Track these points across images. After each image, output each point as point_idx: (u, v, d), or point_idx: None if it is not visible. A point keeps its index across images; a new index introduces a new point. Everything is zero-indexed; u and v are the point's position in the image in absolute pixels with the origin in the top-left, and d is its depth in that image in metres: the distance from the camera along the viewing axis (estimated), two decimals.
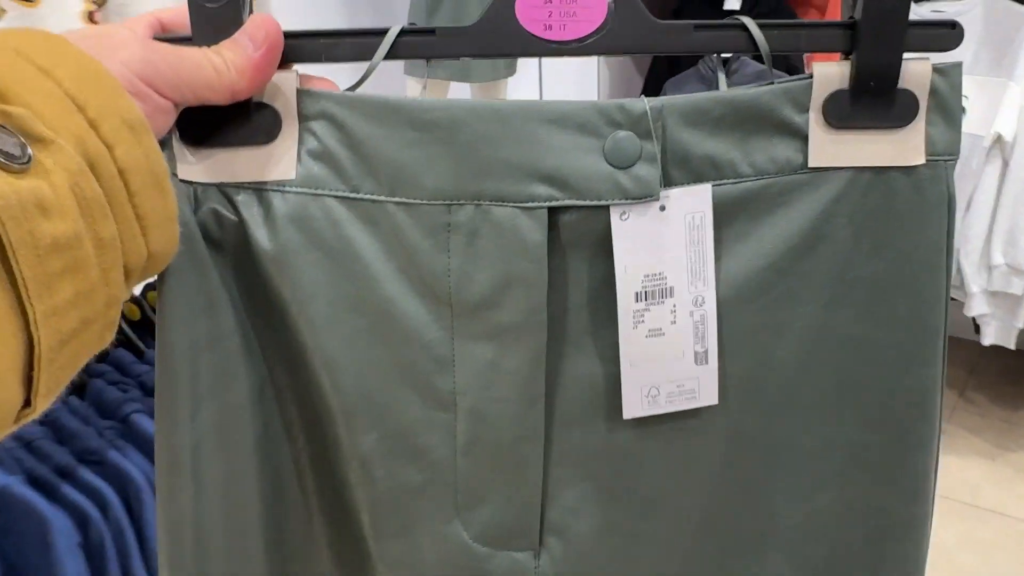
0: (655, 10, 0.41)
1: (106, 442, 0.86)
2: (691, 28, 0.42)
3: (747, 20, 0.42)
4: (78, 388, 0.94)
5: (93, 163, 0.33)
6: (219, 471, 0.45)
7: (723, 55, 0.44)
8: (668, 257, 0.42)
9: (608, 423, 0.45)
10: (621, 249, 0.41)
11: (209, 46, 0.39)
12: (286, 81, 0.41)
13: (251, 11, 0.40)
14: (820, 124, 0.42)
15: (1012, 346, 1.94)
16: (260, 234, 0.42)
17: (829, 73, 0.42)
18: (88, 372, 0.95)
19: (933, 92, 0.42)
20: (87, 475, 0.83)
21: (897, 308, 0.44)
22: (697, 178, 0.42)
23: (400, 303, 0.43)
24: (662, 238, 0.41)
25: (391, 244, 0.42)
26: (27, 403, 0.32)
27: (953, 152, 0.43)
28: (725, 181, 0.42)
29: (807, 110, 0.42)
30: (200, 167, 0.41)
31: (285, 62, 0.41)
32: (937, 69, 0.42)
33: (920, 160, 0.43)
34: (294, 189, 0.42)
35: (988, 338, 1.92)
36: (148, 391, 0.93)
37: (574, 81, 2.30)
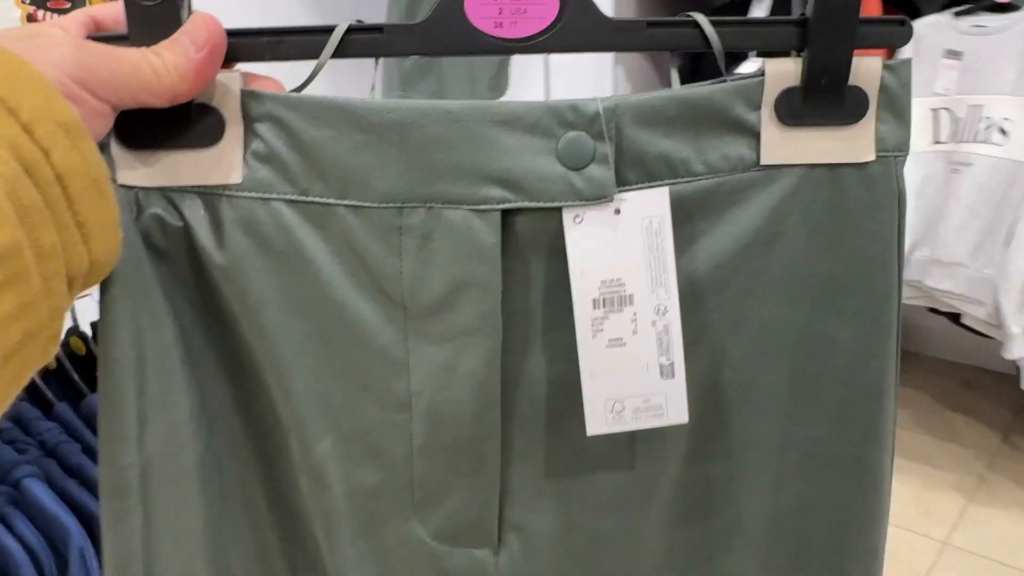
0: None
1: None
2: (644, 25, 0.41)
3: (700, 17, 0.42)
4: None
5: (29, 168, 0.31)
6: (167, 494, 0.43)
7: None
8: (625, 263, 0.41)
9: (568, 423, 0.45)
10: (575, 252, 0.41)
11: (147, 46, 0.37)
12: (229, 82, 0.40)
13: (190, 9, 0.39)
14: (772, 121, 0.42)
15: None
16: (207, 240, 0.41)
17: (781, 71, 0.42)
18: None
19: (883, 89, 0.42)
20: None
21: (851, 303, 0.45)
22: (651, 178, 0.41)
23: (353, 306, 0.42)
24: (618, 242, 0.41)
25: (342, 247, 0.41)
26: None
27: (903, 148, 0.43)
28: (679, 180, 0.42)
29: (759, 107, 0.42)
30: (141, 171, 0.40)
31: (227, 61, 0.40)
32: (887, 66, 0.42)
33: (870, 157, 0.43)
34: (241, 193, 0.40)
35: None
36: (48, 451, 0.85)
37: (590, 93, 2.18)
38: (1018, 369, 1.74)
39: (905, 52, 1.58)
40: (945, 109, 1.64)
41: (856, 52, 0.41)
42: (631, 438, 0.46)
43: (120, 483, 0.42)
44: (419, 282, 0.42)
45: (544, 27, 0.41)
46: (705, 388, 0.45)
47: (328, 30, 0.40)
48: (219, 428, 0.45)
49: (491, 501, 0.46)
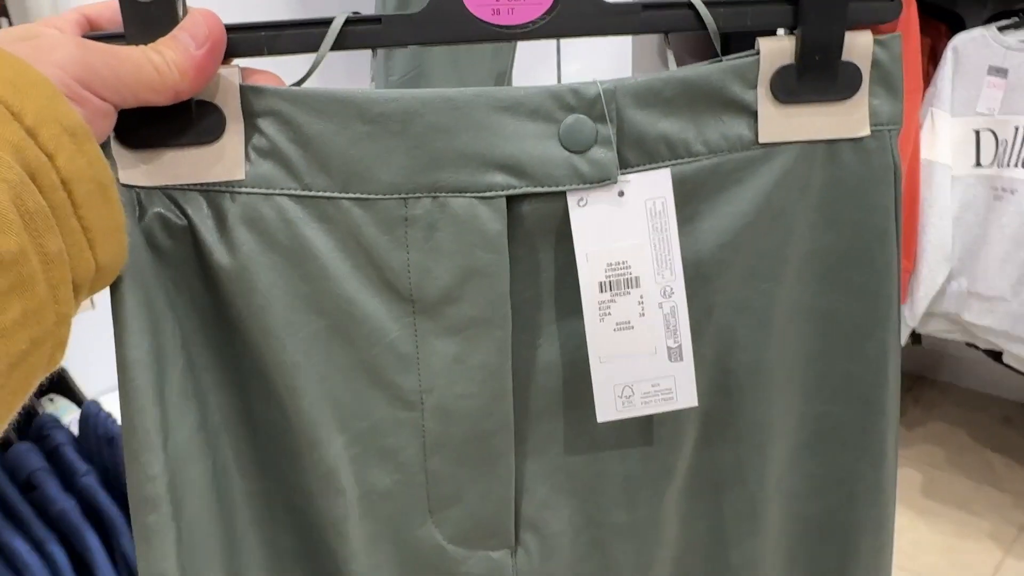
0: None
1: None
2: (639, 8, 0.42)
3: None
4: None
5: (34, 174, 0.31)
6: (193, 507, 0.42)
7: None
8: (630, 244, 0.41)
9: (580, 413, 0.45)
10: (581, 236, 0.41)
11: (145, 44, 0.37)
12: (228, 77, 0.39)
13: (185, 7, 0.38)
14: (768, 99, 0.42)
15: None
16: (211, 238, 0.40)
17: (775, 49, 0.42)
18: None
19: (875, 64, 0.43)
20: None
21: (852, 278, 0.45)
22: (652, 159, 0.42)
23: (360, 302, 0.42)
24: (623, 224, 0.41)
25: (347, 241, 0.41)
26: None
27: (896, 121, 0.44)
28: (680, 161, 0.42)
29: (755, 86, 0.42)
30: (142, 170, 0.39)
31: (226, 57, 0.39)
32: (878, 41, 0.43)
33: (865, 131, 0.43)
34: (244, 190, 0.40)
35: None
36: None
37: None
38: None
39: (945, 68, 1.48)
40: (988, 130, 1.52)
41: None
42: (643, 427, 0.46)
43: (150, 495, 0.40)
44: (426, 273, 0.42)
45: (541, 12, 0.41)
46: (714, 371, 0.46)
47: (326, 22, 0.40)
48: (226, 439, 0.44)
49: (507, 497, 0.46)
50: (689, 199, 0.43)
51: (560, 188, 0.41)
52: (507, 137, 0.40)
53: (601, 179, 0.41)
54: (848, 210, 0.44)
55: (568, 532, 0.47)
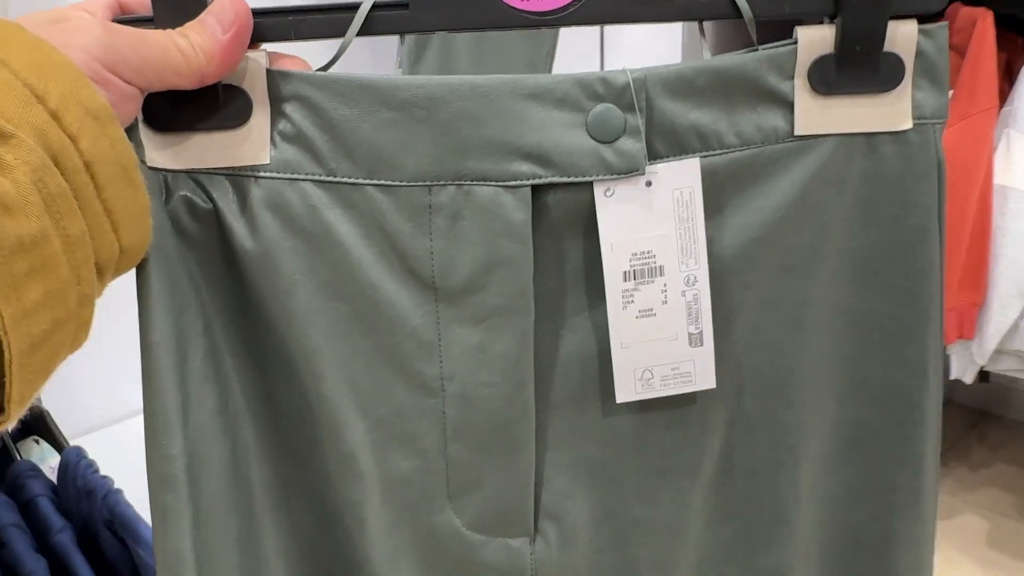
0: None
1: None
2: None
3: None
4: None
5: (57, 157, 0.31)
6: (210, 488, 0.42)
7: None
8: (656, 234, 0.41)
9: (602, 404, 0.44)
10: (607, 226, 0.40)
11: (173, 28, 0.37)
12: (255, 62, 0.39)
13: None
14: (806, 91, 0.41)
15: None
16: (236, 222, 0.41)
17: (814, 38, 0.41)
18: None
19: (919, 55, 0.41)
20: None
21: (892, 277, 0.44)
22: (682, 150, 0.41)
23: (383, 288, 0.42)
24: (649, 214, 0.40)
25: (371, 228, 0.41)
26: (0, 410, 0.31)
27: (941, 115, 0.42)
28: (711, 152, 0.41)
29: (792, 77, 0.41)
30: (169, 153, 0.40)
31: (253, 41, 0.39)
32: (923, 31, 0.41)
33: (908, 124, 0.42)
34: (269, 174, 0.40)
35: None
36: None
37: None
38: None
39: (1022, 86, 1.33)
40: None
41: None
42: (668, 421, 0.45)
43: (168, 474, 0.41)
44: (450, 261, 0.41)
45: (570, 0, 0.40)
46: (743, 370, 0.45)
47: (353, 7, 0.40)
48: (246, 422, 0.44)
49: (527, 487, 0.45)
50: (720, 191, 0.42)
51: (587, 178, 0.40)
52: (534, 126, 0.40)
53: (629, 170, 0.40)
54: (888, 206, 0.43)
55: (588, 524, 0.46)
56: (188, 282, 0.41)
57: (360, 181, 0.40)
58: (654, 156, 0.41)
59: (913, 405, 0.46)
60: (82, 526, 0.89)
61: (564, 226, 0.42)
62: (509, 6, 0.40)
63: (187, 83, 0.37)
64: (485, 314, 0.42)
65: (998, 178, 1.43)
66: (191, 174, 0.40)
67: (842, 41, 0.40)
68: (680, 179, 0.40)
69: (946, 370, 1.50)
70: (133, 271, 0.38)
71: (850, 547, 0.48)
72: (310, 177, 0.40)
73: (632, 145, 0.40)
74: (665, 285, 0.41)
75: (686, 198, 0.40)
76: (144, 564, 0.80)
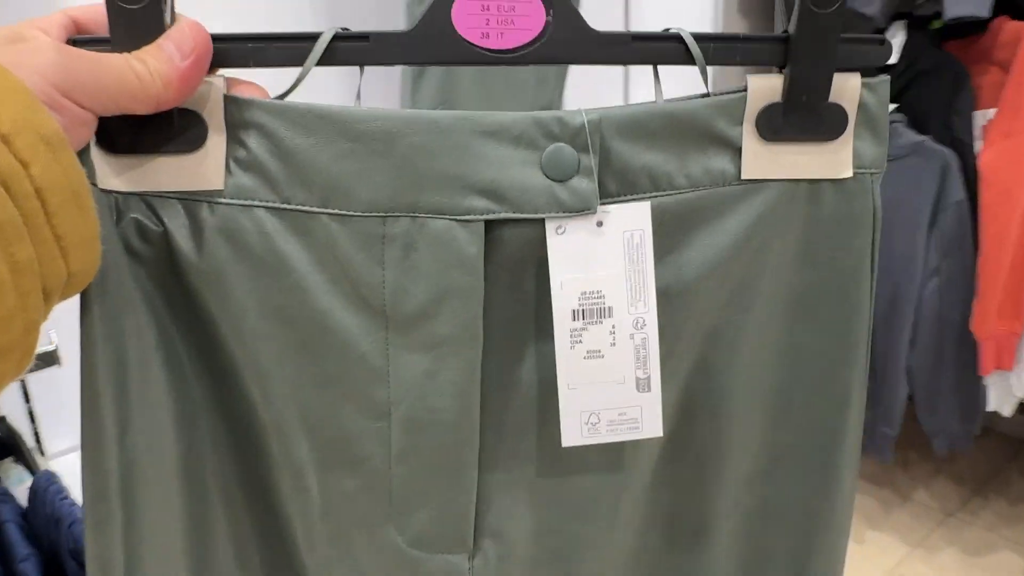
0: None
1: None
2: (629, 39, 0.42)
3: (683, 32, 0.42)
4: None
5: (7, 182, 0.31)
6: (147, 497, 0.43)
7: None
8: (606, 275, 0.41)
9: (547, 431, 0.45)
10: (557, 264, 0.41)
11: (130, 50, 0.37)
12: (213, 87, 0.39)
13: (173, 14, 0.38)
14: (753, 137, 0.43)
15: None
16: (187, 246, 0.41)
17: (763, 87, 0.42)
18: None
19: (862, 107, 0.43)
20: None
21: (825, 315, 0.46)
22: (634, 190, 0.42)
23: (334, 315, 0.42)
24: (599, 255, 0.41)
25: (324, 255, 0.41)
26: None
27: (879, 165, 0.44)
28: (661, 193, 0.42)
29: (741, 123, 0.42)
30: (121, 176, 0.39)
31: (212, 67, 0.39)
32: (866, 84, 0.43)
33: (848, 173, 0.44)
34: (223, 200, 0.40)
35: None
36: None
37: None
38: None
39: None
40: None
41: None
42: (607, 445, 0.46)
43: (101, 487, 0.41)
44: (401, 291, 0.42)
45: (530, 39, 0.41)
46: (682, 395, 0.46)
47: (314, 37, 0.40)
48: (201, 428, 0.45)
49: (468, 507, 0.46)
50: (669, 231, 0.43)
51: (539, 215, 0.41)
52: (489, 162, 0.40)
53: (580, 209, 0.41)
54: (826, 249, 0.45)
55: (527, 540, 0.48)
56: (141, 298, 0.41)
57: (315, 209, 0.41)
58: (606, 195, 0.41)
59: (833, 433, 0.49)
60: (51, 554, 0.87)
61: (517, 260, 0.42)
62: (469, 43, 0.41)
63: (143, 109, 0.37)
64: (435, 342, 0.43)
65: None
66: (143, 196, 0.40)
67: (790, 90, 0.42)
68: (631, 221, 0.41)
69: (983, 401, 1.47)
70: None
71: (765, 559, 0.52)
72: (264, 204, 0.40)
73: (584, 184, 0.41)
74: (614, 327, 0.42)
75: (636, 240, 0.41)
76: None
